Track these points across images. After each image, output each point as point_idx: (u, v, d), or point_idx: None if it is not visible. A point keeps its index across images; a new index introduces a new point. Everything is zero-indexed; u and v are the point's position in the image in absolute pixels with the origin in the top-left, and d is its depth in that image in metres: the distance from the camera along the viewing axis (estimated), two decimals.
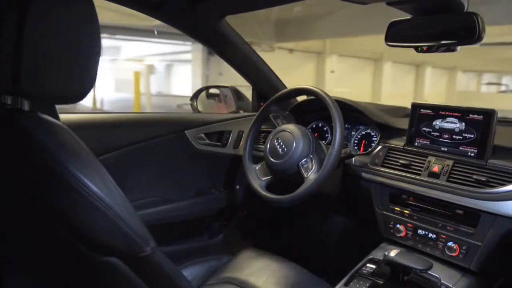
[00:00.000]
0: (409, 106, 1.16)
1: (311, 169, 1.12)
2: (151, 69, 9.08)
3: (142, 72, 8.38)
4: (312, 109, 1.43)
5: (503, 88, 12.35)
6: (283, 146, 1.17)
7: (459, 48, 0.93)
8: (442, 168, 1.04)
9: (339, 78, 9.79)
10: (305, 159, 1.14)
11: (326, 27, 7.51)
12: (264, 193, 1.19)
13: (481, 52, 8.76)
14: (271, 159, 1.19)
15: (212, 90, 1.83)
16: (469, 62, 10.63)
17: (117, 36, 8.16)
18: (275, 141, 1.20)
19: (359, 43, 8.77)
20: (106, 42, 7.94)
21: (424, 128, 1.11)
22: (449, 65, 11.47)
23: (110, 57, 8.70)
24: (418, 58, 10.64)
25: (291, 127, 1.20)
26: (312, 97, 1.23)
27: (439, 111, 1.09)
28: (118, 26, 7.06)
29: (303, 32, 8.25)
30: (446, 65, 11.60)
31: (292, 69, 9.39)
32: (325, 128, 1.43)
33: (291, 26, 8.15)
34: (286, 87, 1.60)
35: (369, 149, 1.23)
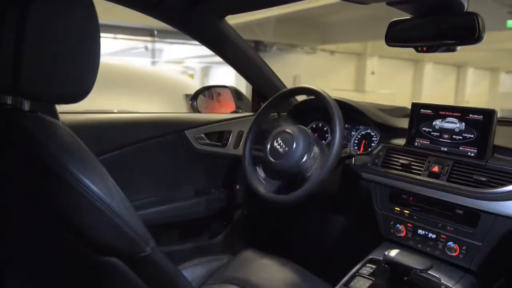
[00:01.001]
0: None
1: (312, 168, 1.12)
2: (205, 71, 9.15)
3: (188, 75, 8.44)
4: (312, 109, 1.43)
5: None
6: (283, 146, 1.17)
7: (459, 47, 0.93)
8: (442, 168, 1.04)
9: (379, 79, 9.64)
10: (304, 158, 1.14)
11: (368, 30, 7.44)
12: (265, 193, 1.19)
13: None
14: (272, 159, 1.19)
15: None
16: None
17: (166, 40, 8.14)
18: (275, 141, 1.20)
19: None
20: (151, 45, 8.08)
21: (424, 128, 1.11)
22: (491, 65, 11.09)
23: (153, 59, 8.73)
24: (459, 59, 10.29)
25: (290, 127, 1.20)
26: (312, 96, 1.22)
27: (439, 111, 1.09)
28: (163, 30, 7.03)
29: (346, 34, 8.23)
30: (489, 66, 11.22)
31: (333, 71, 9.38)
32: (325, 128, 1.43)
33: (334, 29, 8.14)
34: (286, 87, 1.60)
35: (369, 149, 1.23)
